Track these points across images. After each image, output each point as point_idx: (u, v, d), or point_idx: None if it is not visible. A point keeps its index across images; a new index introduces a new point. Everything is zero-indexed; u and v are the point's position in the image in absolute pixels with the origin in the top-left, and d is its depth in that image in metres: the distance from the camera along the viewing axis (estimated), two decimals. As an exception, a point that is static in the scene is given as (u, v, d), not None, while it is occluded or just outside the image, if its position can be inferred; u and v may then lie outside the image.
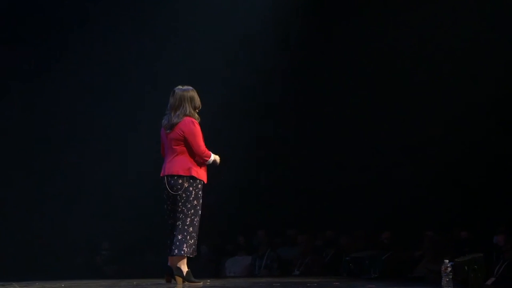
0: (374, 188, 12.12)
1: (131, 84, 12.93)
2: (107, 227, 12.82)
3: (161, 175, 6.98)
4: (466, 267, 7.22)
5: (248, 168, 13.37)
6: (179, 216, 6.87)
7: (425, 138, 11.72)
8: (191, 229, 6.87)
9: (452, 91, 11.46)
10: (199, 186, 6.92)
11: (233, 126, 13.01)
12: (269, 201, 13.29)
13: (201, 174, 6.95)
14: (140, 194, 12.13)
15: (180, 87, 7.05)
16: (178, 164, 6.91)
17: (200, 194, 6.94)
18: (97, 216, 12.87)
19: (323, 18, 12.72)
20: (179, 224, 6.85)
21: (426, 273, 9.58)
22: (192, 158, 6.92)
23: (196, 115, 7.02)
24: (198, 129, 6.92)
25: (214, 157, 7.00)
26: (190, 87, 7.06)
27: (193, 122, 6.92)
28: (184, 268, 6.91)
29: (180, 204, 6.87)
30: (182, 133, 6.89)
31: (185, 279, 6.90)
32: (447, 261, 6.86)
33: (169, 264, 6.94)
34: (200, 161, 6.95)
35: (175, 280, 6.89)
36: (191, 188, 6.88)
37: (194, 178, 6.88)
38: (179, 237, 6.84)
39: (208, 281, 7.93)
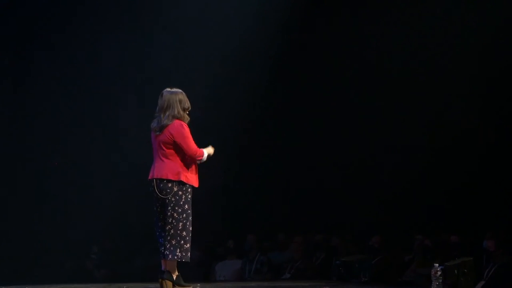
0: (364, 192, 12.13)
1: (130, 86, 12.91)
2: (97, 231, 12.78)
3: (149, 177, 6.95)
4: (456, 270, 7.26)
5: (237, 171, 13.38)
6: (170, 220, 6.83)
7: (416, 142, 11.74)
8: (184, 233, 6.83)
9: (440, 92, 11.50)
10: (189, 190, 6.87)
11: (222, 128, 13.01)
12: (259, 204, 13.27)
13: (191, 178, 6.89)
14: (130, 198, 12.11)
15: (168, 89, 7.03)
16: (167, 168, 6.87)
17: (190, 198, 6.88)
18: (87, 220, 12.83)
19: (314, 16, 12.73)
20: (169, 229, 6.81)
21: (416, 277, 9.60)
22: (182, 162, 6.87)
23: (186, 116, 6.99)
24: (187, 131, 6.86)
25: (207, 152, 6.95)
26: (179, 90, 7.03)
27: (182, 125, 6.87)
28: (174, 272, 6.90)
29: (169, 208, 6.83)
30: (171, 136, 6.87)
31: (175, 283, 6.88)
32: (437, 265, 6.88)
33: (163, 268, 6.92)
34: (192, 164, 6.90)
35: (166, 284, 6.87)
36: (180, 193, 6.84)
37: (183, 183, 6.85)
38: (173, 242, 6.80)
39: (198, 285, 7.92)
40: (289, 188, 13.28)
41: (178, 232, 6.82)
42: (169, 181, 6.83)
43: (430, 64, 11.67)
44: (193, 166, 6.94)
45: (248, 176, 13.48)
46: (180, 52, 12.67)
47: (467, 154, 11.15)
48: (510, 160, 10.66)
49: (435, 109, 11.61)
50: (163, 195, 6.83)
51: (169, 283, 6.86)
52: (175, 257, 6.81)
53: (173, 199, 6.82)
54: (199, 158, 6.91)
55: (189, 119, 7.00)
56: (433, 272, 6.83)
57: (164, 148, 6.89)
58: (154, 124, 6.99)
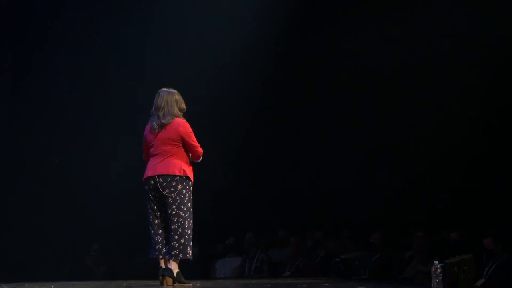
0: (364, 189, 12.14)
1: (127, 88, 12.91)
2: (96, 228, 12.79)
3: (149, 175, 6.92)
4: (456, 268, 7.24)
5: (238, 170, 13.39)
6: (175, 220, 6.81)
7: (416, 140, 11.75)
8: (189, 231, 6.86)
9: (441, 90, 11.50)
10: (191, 187, 6.92)
11: (222, 126, 13.02)
12: (259, 202, 13.28)
13: (192, 175, 6.96)
14: (129, 195, 12.11)
15: (165, 89, 7.05)
16: (172, 164, 6.87)
17: (192, 195, 6.93)
18: (87, 217, 12.84)
19: (314, 16, 12.74)
20: (176, 228, 6.80)
21: (416, 274, 9.59)
22: (185, 159, 6.92)
23: (182, 116, 7.02)
24: (190, 129, 6.94)
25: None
26: (175, 90, 7.07)
27: (186, 123, 6.94)
28: (175, 269, 6.90)
29: (174, 207, 6.82)
30: (178, 133, 6.89)
31: (176, 279, 6.89)
32: (437, 262, 6.87)
33: (166, 266, 6.92)
34: (190, 161, 6.96)
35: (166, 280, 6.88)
36: (184, 191, 6.85)
37: (188, 179, 6.87)
38: (182, 241, 6.81)
39: (198, 282, 7.92)
40: (289, 185, 13.28)
41: (186, 230, 6.83)
42: (173, 178, 6.83)
43: (430, 63, 11.68)
44: (191, 164, 7.02)
45: (248, 174, 13.49)
46: (180, 52, 12.66)
47: (467, 151, 11.15)
48: (511, 158, 10.66)
49: (435, 107, 11.61)
50: (166, 193, 6.83)
51: (169, 280, 6.86)
52: (187, 256, 6.84)
53: (177, 198, 6.82)
54: (200, 157, 6.97)
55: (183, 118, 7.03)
56: (433, 269, 6.82)
57: (168, 145, 6.89)
58: (152, 123, 6.98)
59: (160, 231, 6.92)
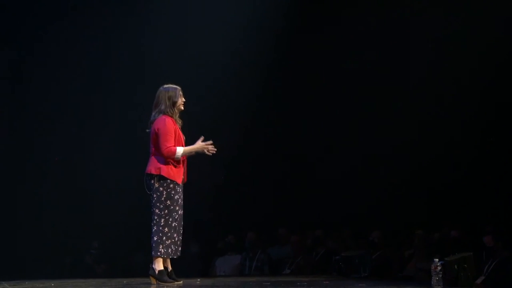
0: (364, 187, 12.14)
1: (127, 88, 12.91)
2: (96, 226, 12.79)
3: None
4: (456, 266, 7.25)
5: (237, 166, 13.39)
6: (153, 217, 6.84)
7: (416, 137, 11.75)
8: (166, 229, 6.80)
9: (441, 88, 11.51)
10: (171, 186, 6.83)
11: (221, 125, 13.02)
12: (259, 200, 13.28)
13: (173, 173, 6.84)
14: (130, 193, 12.10)
15: (165, 85, 7.05)
16: (151, 163, 6.90)
17: (173, 194, 6.84)
18: (87, 215, 12.85)
19: (314, 15, 12.74)
20: (153, 225, 6.84)
21: (416, 272, 9.60)
22: (164, 157, 6.85)
23: (175, 111, 6.93)
24: (167, 127, 6.83)
25: (183, 150, 6.85)
26: (174, 86, 7.01)
27: (164, 120, 6.85)
28: (158, 268, 6.88)
29: (152, 204, 6.85)
30: (154, 131, 6.89)
31: (157, 278, 6.87)
32: (437, 260, 6.88)
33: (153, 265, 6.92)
34: (172, 160, 6.85)
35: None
36: (161, 188, 6.81)
37: (164, 178, 6.81)
38: (155, 238, 6.81)
39: (198, 280, 7.93)
40: (289, 183, 13.27)
41: (160, 228, 6.79)
42: (151, 176, 6.83)
43: (430, 60, 11.67)
44: (177, 162, 6.88)
45: (247, 172, 13.49)
46: (180, 53, 12.66)
47: (467, 149, 11.15)
48: (510, 155, 10.66)
49: (435, 104, 11.61)
50: (148, 192, 6.84)
51: (153, 279, 6.88)
52: (158, 253, 6.81)
53: (154, 195, 6.82)
54: (172, 157, 6.81)
55: (177, 114, 6.95)
56: (433, 267, 6.83)
57: (151, 143, 6.92)
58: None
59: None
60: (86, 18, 12.83)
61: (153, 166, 6.85)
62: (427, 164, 11.63)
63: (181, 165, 6.91)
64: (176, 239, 6.88)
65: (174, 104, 6.93)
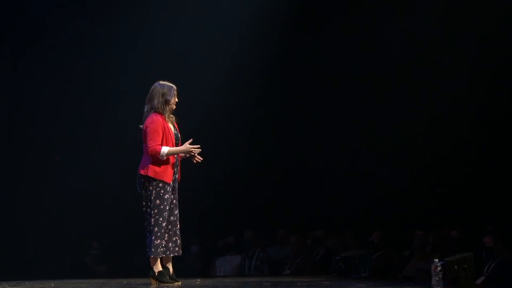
0: (364, 188, 12.14)
1: (128, 88, 12.91)
2: (96, 227, 12.78)
3: None
4: (456, 266, 7.23)
5: (237, 166, 13.39)
6: (145, 216, 6.82)
7: (416, 138, 11.74)
8: (156, 229, 6.74)
9: (441, 87, 11.50)
10: (160, 185, 6.75)
11: (221, 125, 13.01)
12: (259, 200, 13.27)
13: (160, 173, 6.76)
14: (130, 193, 12.08)
15: (160, 82, 6.98)
16: (141, 162, 6.86)
17: (163, 193, 6.76)
18: (87, 216, 12.84)
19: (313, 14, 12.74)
20: (146, 225, 6.83)
21: (416, 272, 9.59)
22: (152, 157, 6.76)
23: (167, 108, 6.83)
24: (153, 125, 6.74)
25: (168, 150, 6.72)
26: (170, 84, 6.92)
27: (152, 118, 6.78)
28: (156, 268, 6.86)
29: (143, 203, 6.81)
30: (143, 129, 6.86)
31: (157, 279, 6.86)
32: (437, 260, 6.87)
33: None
34: (159, 159, 6.74)
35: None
36: (151, 188, 6.75)
37: (152, 178, 6.74)
38: (148, 239, 6.81)
39: (198, 280, 7.92)
40: (289, 183, 13.26)
41: (151, 228, 6.77)
42: (141, 176, 6.80)
43: (431, 60, 11.66)
44: (166, 161, 6.78)
45: (247, 172, 13.48)
46: (180, 52, 12.66)
47: (467, 149, 11.14)
48: (510, 155, 10.66)
49: (435, 104, 11.61)
50: (139, 191, 6.82)
51: (152, 280, 6.85)
52: (149, 254, 6.79)
53: (145, 194, 6.77)
54: (157, 156, 6.71)
55: (169, 111, 6.86)
56: (433, 268, 6.82)
57: (143, 141, 6.86)
58: None
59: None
60: (85, 16, 12.83)
61: (142, 165, 6.80)
62: (427, 165, 11.62)
63: (169, 164, 6.80)
64: (168, 238, 6.84)
65: (166, 102, 6.83)
